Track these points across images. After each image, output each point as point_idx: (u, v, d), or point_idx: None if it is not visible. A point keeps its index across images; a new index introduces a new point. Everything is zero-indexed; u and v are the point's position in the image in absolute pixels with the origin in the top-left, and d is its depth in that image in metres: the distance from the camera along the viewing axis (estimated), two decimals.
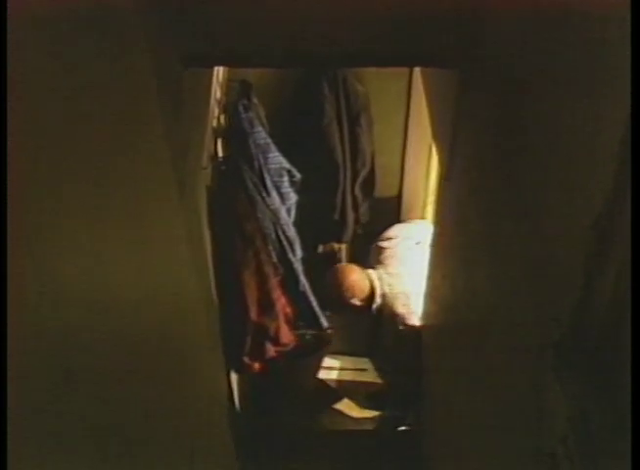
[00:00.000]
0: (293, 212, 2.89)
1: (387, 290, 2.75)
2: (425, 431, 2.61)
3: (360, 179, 3.31)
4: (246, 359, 2.62)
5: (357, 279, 2.76)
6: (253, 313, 2.53)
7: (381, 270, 2.85)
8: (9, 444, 0.49)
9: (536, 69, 1.14)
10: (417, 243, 3.00)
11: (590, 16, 0.89)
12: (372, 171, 3.35)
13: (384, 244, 3.03)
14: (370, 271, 2.82)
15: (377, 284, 2.76)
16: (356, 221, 3.43)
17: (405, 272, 2.83)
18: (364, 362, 3.51)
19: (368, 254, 3.07)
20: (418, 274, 2.71)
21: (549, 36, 1.07)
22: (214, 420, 2.02)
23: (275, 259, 2.67)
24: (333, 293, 2.82)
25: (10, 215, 0.52)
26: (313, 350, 3.23)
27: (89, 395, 0.74)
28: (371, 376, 3.42)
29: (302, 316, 3.01)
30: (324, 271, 2.95)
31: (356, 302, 2.75)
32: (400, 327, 2.67)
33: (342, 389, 3.43)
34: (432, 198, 3.29)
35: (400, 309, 2.70)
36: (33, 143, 0.62)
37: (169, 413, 1.25)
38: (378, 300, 2.75)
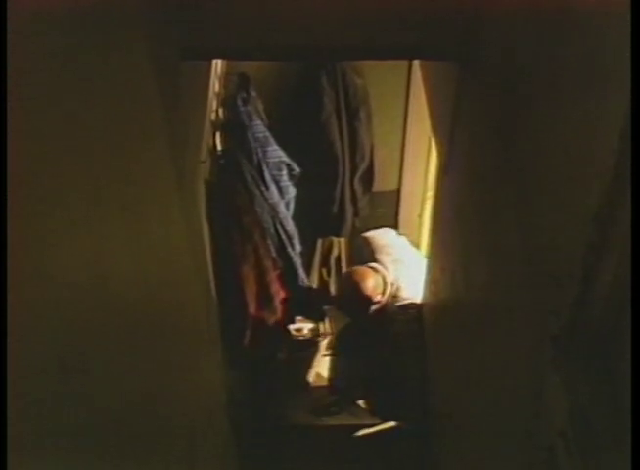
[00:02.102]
0: (291, 206, 2.89)
1: (394, 277, 2.76)
2: (424, 424, 2.62)
3: (359, 173, 3.31)
4: (245, 353, 2.63)
5: (373, 282, 2.74)
6: (252, 307, 2.53)
7: (386, 259, 2.85)
8: (9, 438, 0.49)
9: (536, 62, 1.14)
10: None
11: (590, 12, 0.89)
12: (371, 165, 3.34)
13: (372, 234, 3.05)
14: (376, 266, 2.80)
15: (387, 274, 2.75)
16: (355, 215, 3.42)
17: (405, 257, 2.85)
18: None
19: (362, 247, 3.07)
20: (413, 258, 2.81)
21: (549, 31, 1.07)
22: (213, 414, 2.02)
23: (274, 254, 2.67)
24: (352, 301, 2.82)
25: (9, 208, 0.51)
26: (312, 344, 3.24)
27: (87, 388, 0.74)
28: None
29: (301, 310, 3.02)
30: None
31: (374, 301, 2.75)
32: (404, 314, 2.68)
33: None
34: (431, 192, 3.28)
35: (407, 293, 2.71)
36: (32, 136, 0.61)
37: (167, 407, 1.25)
38: (389, 289, 2.75)
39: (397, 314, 2.70)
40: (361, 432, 2.98)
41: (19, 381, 0.53)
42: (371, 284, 2.71)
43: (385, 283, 2.73)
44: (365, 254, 2.95)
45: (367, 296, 2.70)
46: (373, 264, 2.80)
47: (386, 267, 2.77)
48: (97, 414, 0.77)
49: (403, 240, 3.09)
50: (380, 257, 2.86)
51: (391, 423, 3.02)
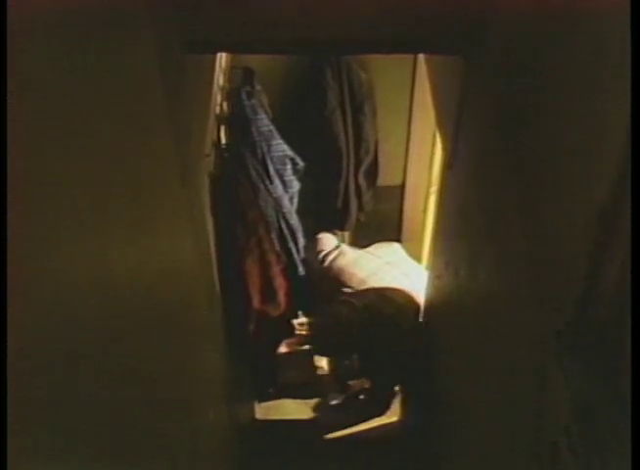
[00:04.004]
0: (295, 201, 2.89)
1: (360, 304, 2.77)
2: (426, 419, 2.62)
3: (363, 167, 3.30)
4: (248, 347, 2.63)
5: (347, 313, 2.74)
6: (256, 301, 2.53)
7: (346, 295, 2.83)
8: (9, 431, 0.49)
9: (541, 58, 1.13)
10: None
11: (592, 6, 0.88)
12: (375, 159, 3.34)
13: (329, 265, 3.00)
14: (346, 298, 2.79)
15: (355, 301, 2.74)
16: (359, 209, 3.42)
17: (362, 273, 2.84)
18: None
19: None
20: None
21: (553, 27, 1.06)
22: (215, 408, 2.02)
23: (278, 248, 2.67)
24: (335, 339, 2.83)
25: (10, 205, 0.51)
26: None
27: (88, 383, 0.74)
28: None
29: (304, 305, 3.02)
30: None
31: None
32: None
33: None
34: (435, 187, 3.28)
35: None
36: (33, 131, 0.61)
37: (169, 401, 1.26)
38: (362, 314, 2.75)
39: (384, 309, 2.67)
40: (363, 427, 2.98)
41: (18, 380, 0.53)
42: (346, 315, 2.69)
43: (356, 309, 2.71)
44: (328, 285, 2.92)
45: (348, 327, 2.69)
46: (343, 298, 2.78)
47: (351, 300, 2.74)
48: (97, 411, 0.77)
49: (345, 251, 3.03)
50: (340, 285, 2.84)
51: (394, 418, 3.03)
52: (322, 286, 2.92)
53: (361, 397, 3.19)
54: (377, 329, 2.63)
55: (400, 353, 2.71)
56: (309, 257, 3.00)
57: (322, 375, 3.33)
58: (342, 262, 2.89)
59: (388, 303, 2.67)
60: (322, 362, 3.37)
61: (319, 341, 2.93)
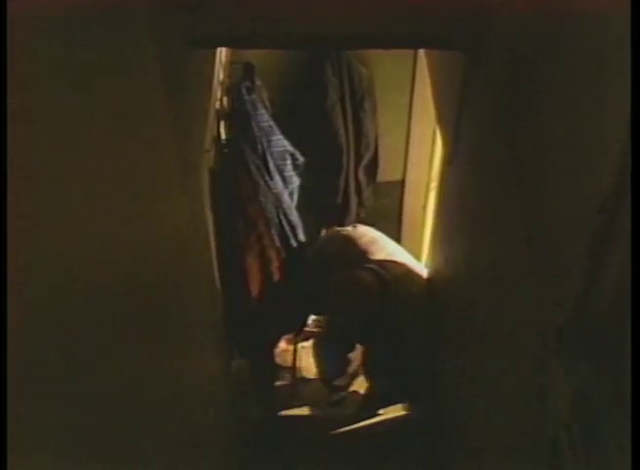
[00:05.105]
0: (295, 196, 2.88)
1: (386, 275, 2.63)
2: (425, 416, 2.62)
3: (363, 163, 3.30)
4: (248, 343, 2.63)
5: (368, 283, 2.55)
6: (256, 297, 2.53)
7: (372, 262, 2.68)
8: (8, 431, 0.49)
9: (542, 53, 1.13)
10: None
11: (593, 3, 0.88)
12: (375, 155, 3.33)
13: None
14: (370, 266, 2.61)
15: (383, 272, 2.55)
16: (359, 205, 3.42)
17: (389, 247, 2.71)
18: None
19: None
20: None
21: (554, 23, 1.06)
22: (215, 404, 2.03)
23: (278, 244, 2.67)
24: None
25: (10, 194, 0.51)
26: (314, 334, 3.24)
27: (86, 379, 0.74)
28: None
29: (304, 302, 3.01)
30: None
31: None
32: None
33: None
34: (435, 183, 3.27)
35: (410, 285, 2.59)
36: (33, 121, 0.61)
37: (168, 398, 1.26)
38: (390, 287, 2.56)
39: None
40: (365, 423, 2.98)
41: (18, 380, 0.52)
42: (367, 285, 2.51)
43: (383, 281, 2.51)
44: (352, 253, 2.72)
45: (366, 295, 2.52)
46: (367, 265, 2.59)
47: (379, 269, 2.56)
48: (97, 411, 0.77)
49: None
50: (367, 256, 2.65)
51: (394, 414, 3.03)
52: (346, 251, 2.72)
53: (362, 392, 3.19)
54: (396, 306, 2.51)
55: (410, 343, 2.62)
56: (327, 232, 2.91)
57: (311, 379, 3.27)
58: (374, 234, 2.79)
59: (412, 280, 2.58)
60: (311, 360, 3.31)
61: (331, 307, 2.73)
